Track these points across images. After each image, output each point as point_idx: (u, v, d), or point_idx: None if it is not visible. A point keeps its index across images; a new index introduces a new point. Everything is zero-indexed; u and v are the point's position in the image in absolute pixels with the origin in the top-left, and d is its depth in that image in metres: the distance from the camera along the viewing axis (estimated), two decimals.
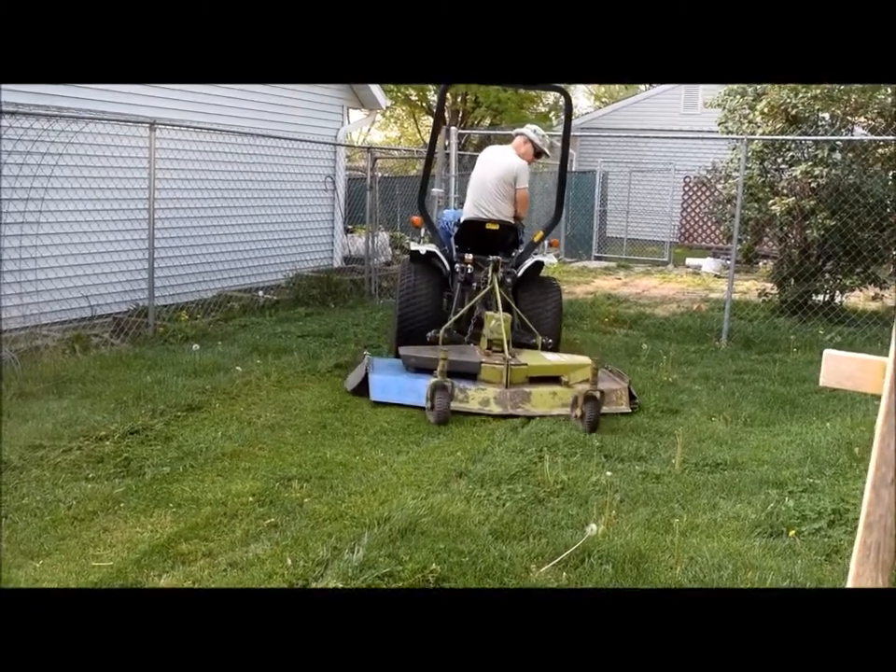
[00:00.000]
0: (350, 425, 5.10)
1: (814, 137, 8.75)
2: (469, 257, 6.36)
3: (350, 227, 13.95)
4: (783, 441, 5.10)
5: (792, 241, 9.46)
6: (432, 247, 6.61)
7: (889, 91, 8.61)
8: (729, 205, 9.71)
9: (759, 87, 9.04)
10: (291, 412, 5.28)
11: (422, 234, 7.26)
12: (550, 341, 6.31)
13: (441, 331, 6.05)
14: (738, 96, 9.57)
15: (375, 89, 13.03)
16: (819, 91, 8.57)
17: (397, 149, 18.53)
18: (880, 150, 8.81)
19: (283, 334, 7.59)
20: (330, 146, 12.31)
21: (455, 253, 6.59)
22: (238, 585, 3.06)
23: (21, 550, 3.28)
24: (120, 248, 8.07)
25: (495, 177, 6.54)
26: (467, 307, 6.32)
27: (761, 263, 14.29)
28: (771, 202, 9.11)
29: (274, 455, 4.50)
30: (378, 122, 28.00)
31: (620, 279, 14.53)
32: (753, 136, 8.81)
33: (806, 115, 8.81)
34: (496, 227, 6.48)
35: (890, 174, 9.06)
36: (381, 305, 9.74)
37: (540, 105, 25.86)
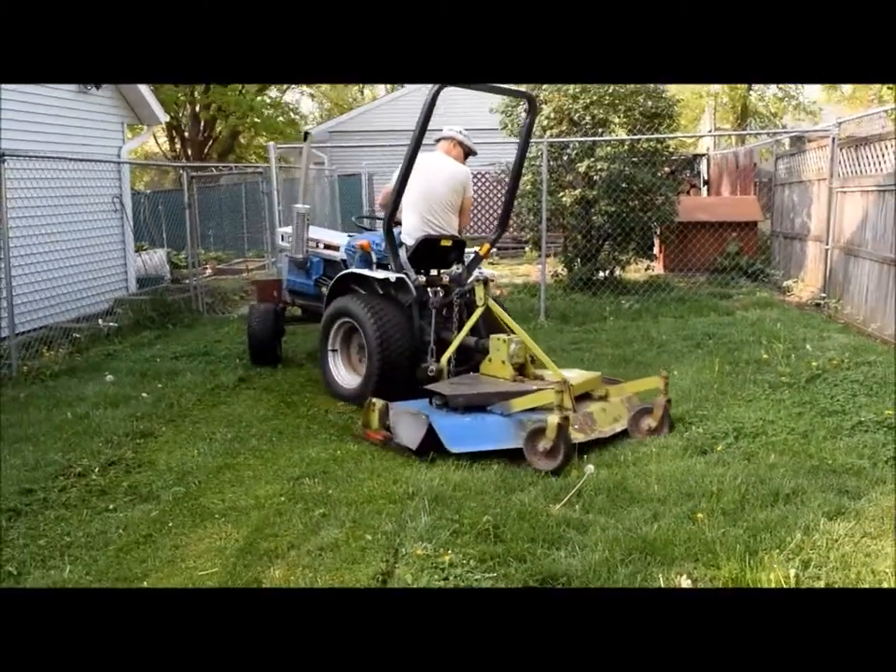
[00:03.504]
0: (304, 427, 5.52)
1: (605, 138, 10.29)
2: (422, 279, 5.92)
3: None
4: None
5: (578, 227, 10.97)
6: (393, 274, 5.85)
7: (646, 96, 10.37)
8: (524, 200, 11.04)
9: (543, 95, 10.40)
10: (239, 425, 5.55)
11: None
12: (531, 357, 5.73)
13: (444, 362, 5.59)
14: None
15: (153, 103, 12.84)
16: (595, 98, 10.12)
17: (214, 166, 17.93)
18: (643, 145, 10.54)
19: (154, 359, 7.61)
20: (114, 164, 12.00)
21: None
22: (340, 564, 3.52)
23: (114, 577, 3.45)
24: None
25: (445, 189, 6.06)
26: (464, 332, 5.68)
27: (526, 248, 16.08)
28: (561, 194, 10.55)
29: (265, 462, 4.84)
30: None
31: None
32: (564, 140, 10.17)
33: (585, 119, 10.31)
34: (449, 243, 6.06)
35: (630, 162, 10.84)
36: (218, 320, 9.91)
37: (292, 113, 26.08)
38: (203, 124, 25.52)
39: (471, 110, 21.01)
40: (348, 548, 3.66)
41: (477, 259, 6.34)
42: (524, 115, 11.04)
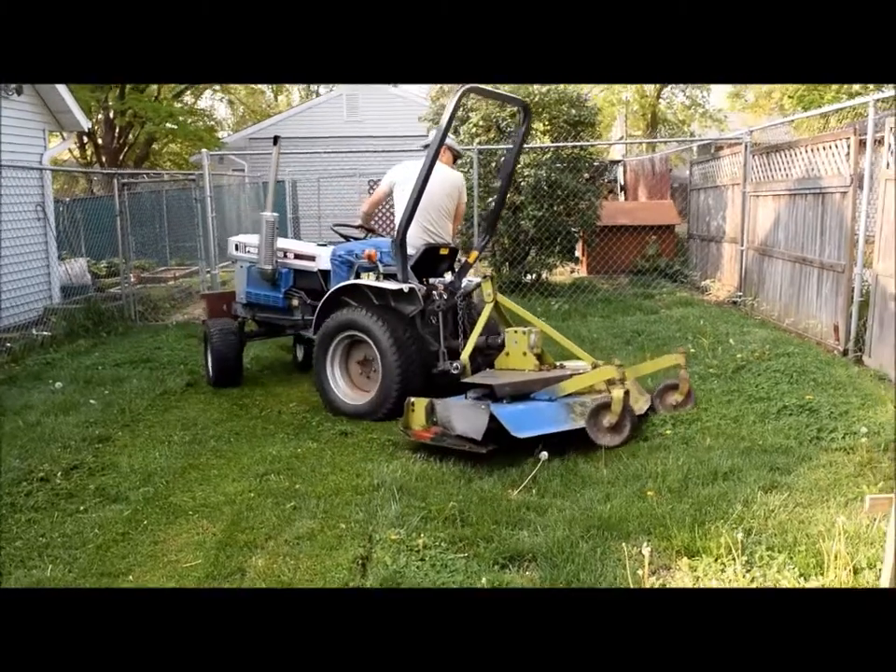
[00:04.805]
0: (260, 428, 5.64)
1: (531, 146, 10.65)
2: (423, 287, 5.83)
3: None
4: None
5: (507, 231, 11.32)
6: (406, 285, 5.71)
7: (569, 105, 10.80)
8: None
9: (470, 104, 10.71)
10: (195, 427, 5.63)
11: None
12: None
13: (466, 359, 5.54)
14: None
15: (76, 110, 12.61)
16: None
17: (146, 173, 17.46)
18: (567, 152, 10.97)
19: (96, 366, 7.55)
20: (36, 171, 11.75)
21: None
22: (319, 551, 3.68)
23: (98, 573, 3.53)
24: None
25: (442, 195, 6.08)
26: (478, 328, 5.71)
27: None
28: (490, 199, 10.86)
29: (227, 461, 4.95)
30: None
31: None
32: (494, 147, 10.46)
33: (511, 127, 10.68)
34: (446, 251, 6.13)
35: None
36: (153, 328, 9.86)
37: (207, 119, 25.71)
38: (117, 130, 24.94)
39: (392, 120, 21.57)
40: (324, 536, 3.84)
41: (466, 267, 6.29)
42: (456, 123, 11.40)
